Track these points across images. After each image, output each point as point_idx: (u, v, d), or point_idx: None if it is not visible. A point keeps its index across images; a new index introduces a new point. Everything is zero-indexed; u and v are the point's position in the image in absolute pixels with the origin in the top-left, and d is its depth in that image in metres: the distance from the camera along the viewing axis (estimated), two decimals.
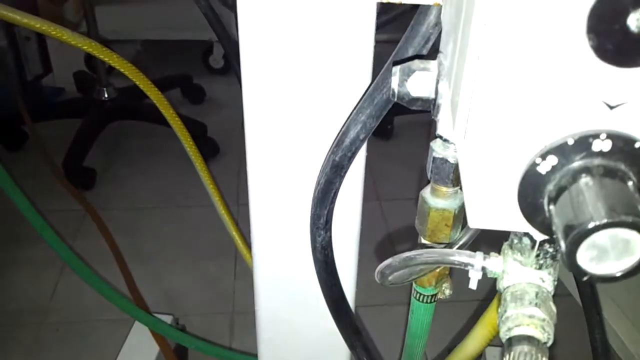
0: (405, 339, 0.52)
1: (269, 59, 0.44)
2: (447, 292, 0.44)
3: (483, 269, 0.32)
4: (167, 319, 1.12)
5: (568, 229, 0.21)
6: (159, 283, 1.39)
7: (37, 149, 1.78)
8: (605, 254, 0.21)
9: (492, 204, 0.25)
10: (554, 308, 0.29)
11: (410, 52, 0.37)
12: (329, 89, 0.46)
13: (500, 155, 0.23)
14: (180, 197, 1.69)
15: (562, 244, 0.21)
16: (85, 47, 0.66)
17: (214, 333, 1.25)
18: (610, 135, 0.22)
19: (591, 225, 0.20)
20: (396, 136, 1.91)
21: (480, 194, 0.25)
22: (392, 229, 1.52)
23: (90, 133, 1.80)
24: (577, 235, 0.20)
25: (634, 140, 0.22)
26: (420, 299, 0.46)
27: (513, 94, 0.22)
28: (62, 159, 1.70)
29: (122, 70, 0.70)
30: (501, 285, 0.31)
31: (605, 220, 0.20)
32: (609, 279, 0.22)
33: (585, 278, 0.22)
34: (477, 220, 0.26)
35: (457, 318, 1.17)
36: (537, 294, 0.28)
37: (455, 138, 0.24)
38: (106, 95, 1.85)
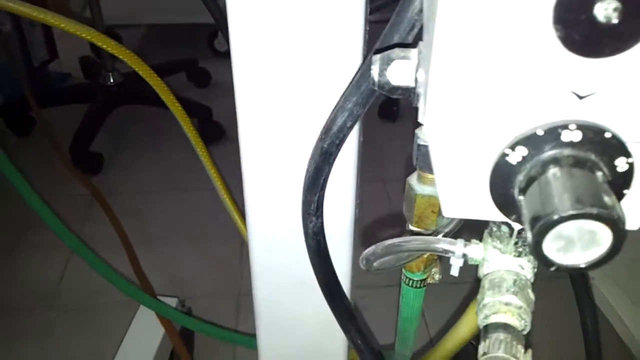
0: (398, 323, 0.52)
1: (259, 44, 0.44)
2: (437, 276, 0.44)
3: (464, 256, 0.32)
4: (173, 301, 1.13)
5: (534, 220, 0.21)
6: (166, 266, 1.41)
7: (44, 134, 1.80)
8: (571, 244, 0.21)
9: (465, 193, 0.25)
10: (532, 296, 0.29)
11: (396, 39, 0.37)
12: (320, 73, 0.46)
13: (469, 145, 0.23)
14: (187, 181, 1.70)
15: (529, 235, 0.21)
16: (82, 35, 0.66)
17: (220, 315, 1.26)
18: (579, 126, 0.22)
19: (556, 216, 0.20)
20: (402, 117, 1.90)
21: (451, 183, 0.25)
22: (397, 209, 1.52)
23: (97, 118, 1.81)
24: (543, 226, 0.21)
25: (603, 131, 0.22)
26: (410, 284, 0.46)
27: (478, 83, 0.22)
28: (70, 144, 1.71)
29: (119, 55, 0.70)
30: (481, 272, 0.31)
31: (570, 212, 0.20)
32: (576, 270, 0.22)
33: (552, 268, 0.22)
34: (450, 210, 0.26)
35: (460, 299, 1.18)
36: (515, 281, 0.29)
37: (425, 126, 0.24)
38: (112, 80, 1.86)
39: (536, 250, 0.21)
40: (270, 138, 0.50)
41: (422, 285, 0.46)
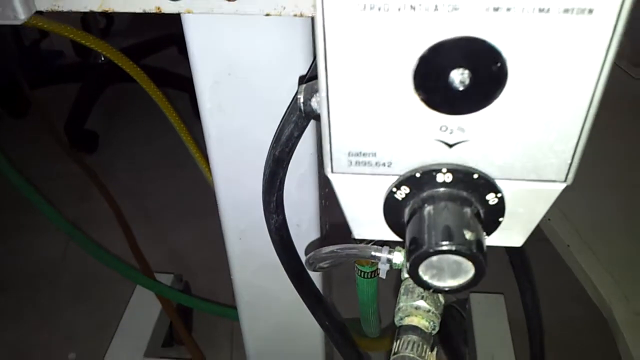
0: (359, 308, 0.57)
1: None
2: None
3: (389, 261, 0.36)
4: (169, 278, 1.18)
5: (409, 252, 0.25)
6: (163, 242, 1.45)
7: (38, 115, 1.82)
8: (442, 272, 0.25)
9: (367, 221, 0.29)
10: (441, 299, 0.33)
11: None
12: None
13: (364, 186, 0.27)
14: (181, 158, 1.73)
15: (407, 263, 0.25)
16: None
17: (217, 288, 1.30)
18: (450, 169, 0.25)
19: (422, 251, 0.24)
20: None
21: (354, 214, 0.28)
22: None
23: (90, 97, 1.83)
24: (414, 258, 0.24)
25: (471, 172, 0.25)
26: (362, 275, 0.50)
27: (365, 138, 0.26)
28: (64, 124, 1.74)
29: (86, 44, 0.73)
30: (402, 276, 0.35)
31: (432, 249, 0.24)
32: (450, 291, 0.26)
33: (430, 290, 0.26)
34: (358, 234, 0.30)
35: None
36: None
37: (327, 174, 0.27)
38: (103, 58, 1.87)
39: (413, 276, 0.25)
40: (235, 138, 0.54)
41: (372, 276, 0.50)
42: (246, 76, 0.49)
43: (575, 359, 1.15)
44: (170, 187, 1.64)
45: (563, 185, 0.26)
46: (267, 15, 0.38)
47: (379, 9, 0.21)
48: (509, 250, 0.55)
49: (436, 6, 0.21)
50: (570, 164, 0.25)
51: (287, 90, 0.49)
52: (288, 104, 0.51)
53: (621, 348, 0.98)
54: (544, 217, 1.05)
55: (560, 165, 0.25)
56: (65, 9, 0.41)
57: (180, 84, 1.89)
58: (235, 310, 1.17)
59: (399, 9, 0.21)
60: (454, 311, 1.17)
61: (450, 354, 1.14)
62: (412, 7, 0.21)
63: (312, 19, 0.42)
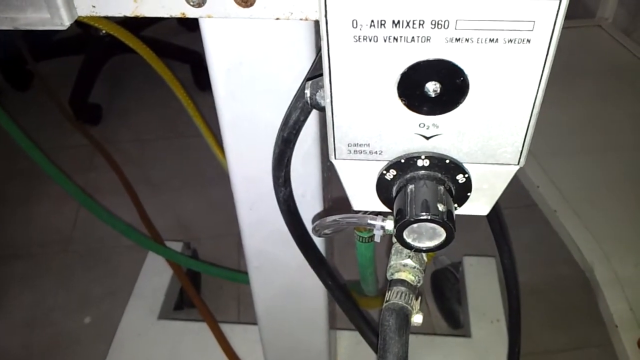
0: (358, 269, 0.65)
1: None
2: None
3: (382, 227, 0.43)
4: (179, 245, 1.24)
5: (396, 221, 0.32)
6: (170, 210, 1.50)
7: (43, 88, 1.86)
8: (421, 236, 0.32)
9: (364, 196, 0.36)
10: (425, 258, 0.40)
11: None
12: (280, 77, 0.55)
13: (361, 168, 0.34)
14: (184, 127, 1.78)
15: (394, 230, 0.32)
16: None
17: (223, 254, 1.36)
18: (427, 156, 0.33)
19: (405, 220, 0.31)
20: None
21: (354, 191, 0.36)
22: None
23: (93, 69, 1.86)
24: (399, 225, 0.32)
25: (444, 158, 0.33)
26: (361, 240, 0.58)
27: (358, 132, 0.33)
28: (68, 96, 1.78)
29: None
30: (393, 240, 0.42)
31: (415, 218, 0.31)
32: (428, 250, 0.33)
33: (412, 250, 0.33)
34: (357, 206, 0.37)
35: None
36: None
37: (331, 159, 0.34)
38: (104, 31, 1.90)
39: (399, 239, 0.33)
40: (246, 121, 0.60)
41: (369, 241, 0.58)
42: (256, 65, 0.55)
43: (561, 315, 1.22)
44: (173, 156, 1.68)
45: (517, 167, 0.34)
46: (277, 19, 0.45)
47: (370, 40, 0.28)
48: (489, 217, 0.62)
49: (413, 38, 0.28)
50: (522, 151, 0.33)
51: (292, 78, 0.55)
52: (293, 90, 0.58)
53: (601, 304, 1.05)
54: (534, 184, 1.12)
55: (513, 151, 0.33)
56: (102, 15, 0.47)
57: (182, 55, 1.93)
58: (243, 274, 1.24)
59: (385, 40, 0.28)
60: (448, 273, 1.26)
61: (445, 312, 1.23)
62: (395, 39, 0.28)
63: (316, 21, 0.49)
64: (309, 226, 0.59)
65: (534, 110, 0.30)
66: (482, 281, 1.17)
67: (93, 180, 1.60)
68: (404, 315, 0.36)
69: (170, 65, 1.05)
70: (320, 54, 0.38)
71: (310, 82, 0.42)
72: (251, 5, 0.44)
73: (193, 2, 0.45)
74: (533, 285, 1.25)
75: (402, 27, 0.27)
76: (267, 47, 0.52)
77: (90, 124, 1.80)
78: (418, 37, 0.27)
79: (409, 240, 0.33)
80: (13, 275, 1.36)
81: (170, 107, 1.81)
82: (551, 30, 0.27)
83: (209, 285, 1.31)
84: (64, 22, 0.44)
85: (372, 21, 0.27)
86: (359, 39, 0.28)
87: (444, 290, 1.24)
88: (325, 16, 0.27)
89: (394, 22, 0.27)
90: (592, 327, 1.12)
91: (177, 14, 0.45)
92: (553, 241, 1.20)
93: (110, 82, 1.97)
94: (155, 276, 1.19)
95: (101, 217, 1.01)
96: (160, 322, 1.10)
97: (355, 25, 0.27)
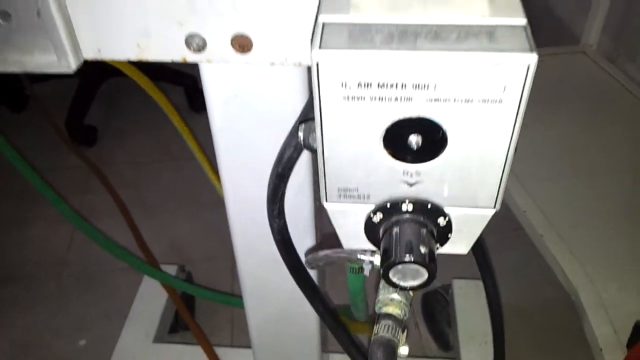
0: (349, 296, 0.67)
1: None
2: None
3: (371, 262, 0.46)
4: (173, 268, 1.25)
5: (382, 261, 0.35)
6: (164, 233, 1.51)
7: (38, 109, 1.87)
8: (405, 275, 0.35)
9: (353, 236, 0.39)
10: (411, 293, 0.43)
11: None
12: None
13: (351, 212, 0.37)
14: (178, 149, 1.79)
15: (381, 270, 0.35)
16: None
17: (217, 277, 1.37)
18: (411, 201, 0.35)
19: (390, 261, 0.34)
20: None
21: (344, 232, 0.38)
22: None
23: (88, 91, 1.88)
24: (385, 266, 0.34)
25: (427, 203, 0.35)
26: (352, 271, 0.60)
27: (348, 173, 0.35)
28: (64, 118, 1.79)
29: None
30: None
31: (397, 260, 0.34)
32: (412, 289, 0.36)
33: (397, 288, 0.36)
34: (347, 245, 0.39)
35: None
36: None
37: (323, 202, 0.37)
38: None
39: (385, 278, 0.35)
40: (242, 151, 0.63)
41: (360, 272, 0.60)
42: (251, 99, 0.58)
43: (547, 337, 1.24)
44: (168, 178, 1.69)
45: (493, 211, 0.36)
46: (272, 64, 0.48)
47: (358, 99, 0.31)
48: (474, 248, 0.65)
49: (397, 98, 0.30)
50: (497, 196, 0.35)
51: (287, 112, 0.58)
52: (286, 121, 0.60)
53: (586, 327, 1.07)
54: (521, 209, 1.15)
55: (489, 196, 0.35)
56: (107, 58, 0.49)
57: (176, 78, 1.95)
58: (237, 298, 1.25)
59: (371, 99, 0.31)
60: (439, 296, 1.28)
61: (435, 335, 1.25)
62: (381, 99, 0.30)
63: (308, 67, 0.51)
64: (301, 254, 0.62)
65: (507, 160, 0.33)
66: (470, 304, 1.19)
67: (88, 202, 1.61)
68: (391, 349, 0.38)
69: (164, 88, 1.07)
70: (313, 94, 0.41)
71: (303, 125, 0.45)
72: (248, 51, 0.47)
73: (193, 48, 0.48)
74: (520, 307, 1.28)
75: (387, 88, 0.30)
76: (262, 84, 0.55)
77: (86, 146, 1.82)
78: (401, 97, 0.30)
79: (394, 280, 0.35)
80: (7, 298, 1.36)
81: (166, 129, 1.81)
82: (520, 92, 0.30)
83: (203, 309, 1.32)
84: (71, 65, 0.47)
85: (360, 83, 0.30)
86: (348, 98, 0.31)
87: (434, 312, 1.26)
88: (318, 78, 0.30)
89: (379, 84, 0.30)
90: (577, 348, 1.14)
91: (178, 58, 0.48)
92: (539, 264, 1.23)
93: (106, 104, 1.99)
94: (151, 299, 1.20)
95: (96, 240, 1.02)
96: (155, 345, 1.11)
97: (344, 86, 0.30)
